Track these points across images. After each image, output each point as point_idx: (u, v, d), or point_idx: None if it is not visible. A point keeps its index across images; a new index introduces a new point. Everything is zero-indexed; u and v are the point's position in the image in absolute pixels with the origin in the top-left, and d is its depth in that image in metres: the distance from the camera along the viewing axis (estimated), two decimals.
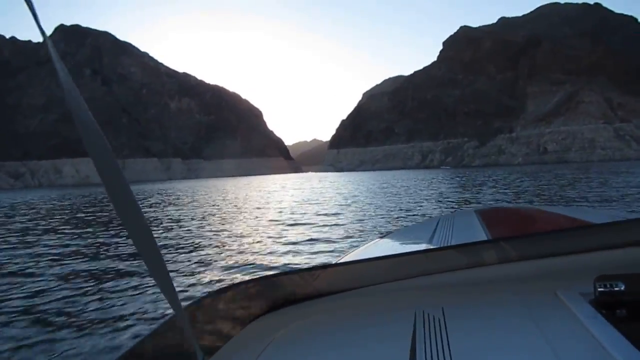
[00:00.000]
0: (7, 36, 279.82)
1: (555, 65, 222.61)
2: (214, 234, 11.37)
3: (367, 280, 1.07)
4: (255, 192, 35.57)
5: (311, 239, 9.61)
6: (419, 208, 15.83)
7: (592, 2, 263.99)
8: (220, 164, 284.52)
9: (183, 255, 8.51)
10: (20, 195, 59.61)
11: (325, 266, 1.07)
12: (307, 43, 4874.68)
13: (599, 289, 0.84)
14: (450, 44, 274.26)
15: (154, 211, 20.05)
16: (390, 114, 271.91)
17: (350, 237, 9.79)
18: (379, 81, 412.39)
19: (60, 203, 32.43)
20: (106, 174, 0.54)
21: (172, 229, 13.07)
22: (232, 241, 10.01)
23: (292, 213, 15.75)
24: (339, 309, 1.05)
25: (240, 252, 8.52)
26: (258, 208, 19.38)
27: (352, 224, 11.96)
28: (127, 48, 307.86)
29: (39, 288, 6.34)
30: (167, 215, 17.52)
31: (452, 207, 15.79)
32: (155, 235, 0.55)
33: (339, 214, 14.78)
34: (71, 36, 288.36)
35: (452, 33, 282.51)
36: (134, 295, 5.65)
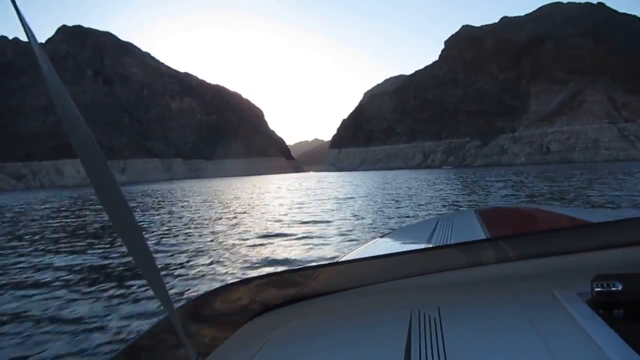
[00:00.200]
0: (10, 37, 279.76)
1: (558, 65, 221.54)
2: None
3: (364, 279, 1.07)
4: (246, 194, 34.59)
5: (271, 260, 7.90)
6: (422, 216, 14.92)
7: (595, 2, 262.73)
8: (221, 164, 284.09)
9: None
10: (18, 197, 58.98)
11: (322, 265, 1.07)
12: (308, 42, 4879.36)
13: (596, 289, 0.84)
14: (452, 43, 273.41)
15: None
16: (392, 113, 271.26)
17: (331, 256, 8.36)
18: (380, 80, 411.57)
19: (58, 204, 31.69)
20: (95, 174, 0.53)
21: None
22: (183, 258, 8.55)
23: (275, 220, 14.45)
24: (336, 309, 1.05)
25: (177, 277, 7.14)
26: (242, 212, 18.23)
27: (335, 238, 10.12)
28: (128, 48, 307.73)
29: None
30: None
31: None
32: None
33: (327, 222, 13.14)
34: (73, 37, 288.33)
35: (454, 32, 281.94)
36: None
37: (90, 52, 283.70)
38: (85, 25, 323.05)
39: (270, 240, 10.01)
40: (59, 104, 0.52)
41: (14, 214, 24.47)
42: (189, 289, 6.01)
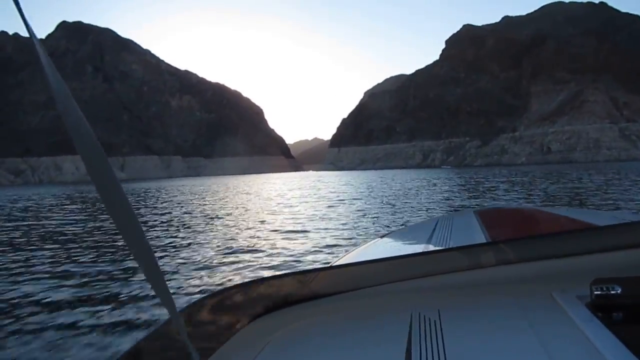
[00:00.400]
0: (10, 32, 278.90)
1: (559, 64, 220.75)
2: None
3: (364, 282, 1.07)
4: (231, 194, 33.34)
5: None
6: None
7: (597, 1, 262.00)
8: (220, 162, 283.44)
9: None
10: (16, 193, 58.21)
11: (322, 268, 1.07)
12: (309, 41, 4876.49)
13: (595, 292, 0.84)
14: (453, 42, 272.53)
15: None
16: (392, 112, 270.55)
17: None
18: (380, 80, 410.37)
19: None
20: (97, 174, 0.53)
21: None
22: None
23: (247, 228, 12.54)
24: (336, 312, 1.05)
25: None
26: (215, 218, 16.17)
27: (307, 256, 8.16)
28: (128, 45, 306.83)
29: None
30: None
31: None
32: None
33: (305, 232, 11.19)
34: (73, 33, 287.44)
35: (455, 31, 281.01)
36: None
37: (90, 49, 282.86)
38: (86, 21, 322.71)
39: (224, 260, 8.00)
40: (59, 100, 0.51)
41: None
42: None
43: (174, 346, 0.81)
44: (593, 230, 1.14)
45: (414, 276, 1.07)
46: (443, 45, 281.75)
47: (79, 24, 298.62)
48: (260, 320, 1.02)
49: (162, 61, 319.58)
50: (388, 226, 11.84)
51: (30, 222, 16.77)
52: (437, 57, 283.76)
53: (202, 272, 7.04)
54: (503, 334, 0.87)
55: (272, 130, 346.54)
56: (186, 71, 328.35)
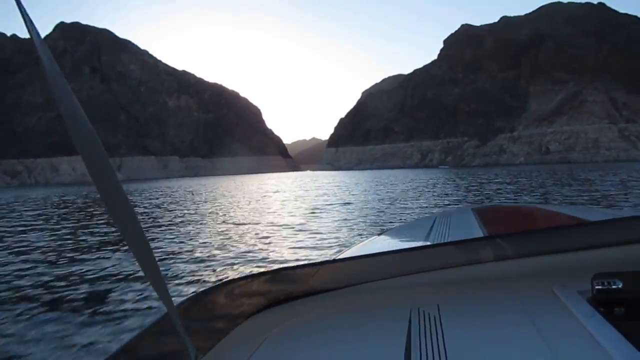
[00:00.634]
0: (8, 34, 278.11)
1: (558, 64, 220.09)
2: None
3: (363, 277, 1.06)
4: (212, 195, 32.21)
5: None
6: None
7: (595, 2, 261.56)
8: (218, 163, 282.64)
9: None
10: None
11: (322, 263, 1.05)
12: (307, 41, 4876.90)
13: (597, 287, 0.84)
14: (451, 42, 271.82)
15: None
16: (390, 112, 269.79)
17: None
18: (378, 80, 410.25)
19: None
20: (98, 173, 0.53)
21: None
22: None
23: (200, 245, 10.04)
24: (335, 306, 1.04)
25: None
26: (172, 225, 14.05)
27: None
28: (126, 45, 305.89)
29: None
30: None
31: None
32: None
33: (264, 251, 8.77)
34: (71, 33, 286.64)
35: (453, 31, 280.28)
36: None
37: (87, 49, 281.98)
38: (83, 22, 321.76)
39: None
40: (60, 98, 0.52)
41: None
42: None
43: (170, 341, 0.80)
44: (593, 226, 1.14)
45: (413, 271, 1.06)
46: (441, 45, 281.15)
47: (76, 25, 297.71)
48: (259, 316, 1.01)
49: (160, 61, 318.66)
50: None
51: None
52: (435, 57, 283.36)
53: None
54: (504, 329, 0.86)
55: (270, 131, 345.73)
56: (184, 71, 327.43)
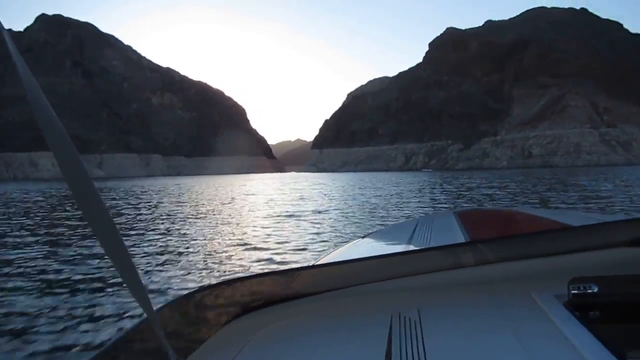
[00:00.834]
0: None
1: (541, 69, 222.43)
2: None
3: (345, 281, 1.07)
4: (176, 198, 30.94)
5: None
6: None
7: (578, 7, 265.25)
8: (201, 162, 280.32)
9: None
10: None
11: (304, 268, 1.07)
12: (293, 42, 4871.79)
13: (573, 291, 0.85)
14: (436, 45, 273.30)
15: None
16: (375, 115, 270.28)
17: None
18: (364, 82, 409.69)
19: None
20: (68, 172, 0.52)
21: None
22: None
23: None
24: (317, 311, 1.05)
25: None
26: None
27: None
28: (109, 40, 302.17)
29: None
30: None
31: None
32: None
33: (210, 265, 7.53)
34: (53, 26, 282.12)
35: (438, 34, 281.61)
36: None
37: (70, 42, 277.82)
38: (66, 14, 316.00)
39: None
40: (31, 96, 0.51)
41: None
42: None
43: (150, 346, 0.79)
44: (570, 231, 1.16)
45: (394, 276, 1.07)
46: (427, 48, 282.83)
47: (58, 17, 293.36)
48: (240, 320, 1.01)
49: (144, 57, 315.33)
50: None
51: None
52: (420, 60, 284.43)
53: None
54: (482, 333, 0.87)
55: (255, 131, 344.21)
56: (168, 68, 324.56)
